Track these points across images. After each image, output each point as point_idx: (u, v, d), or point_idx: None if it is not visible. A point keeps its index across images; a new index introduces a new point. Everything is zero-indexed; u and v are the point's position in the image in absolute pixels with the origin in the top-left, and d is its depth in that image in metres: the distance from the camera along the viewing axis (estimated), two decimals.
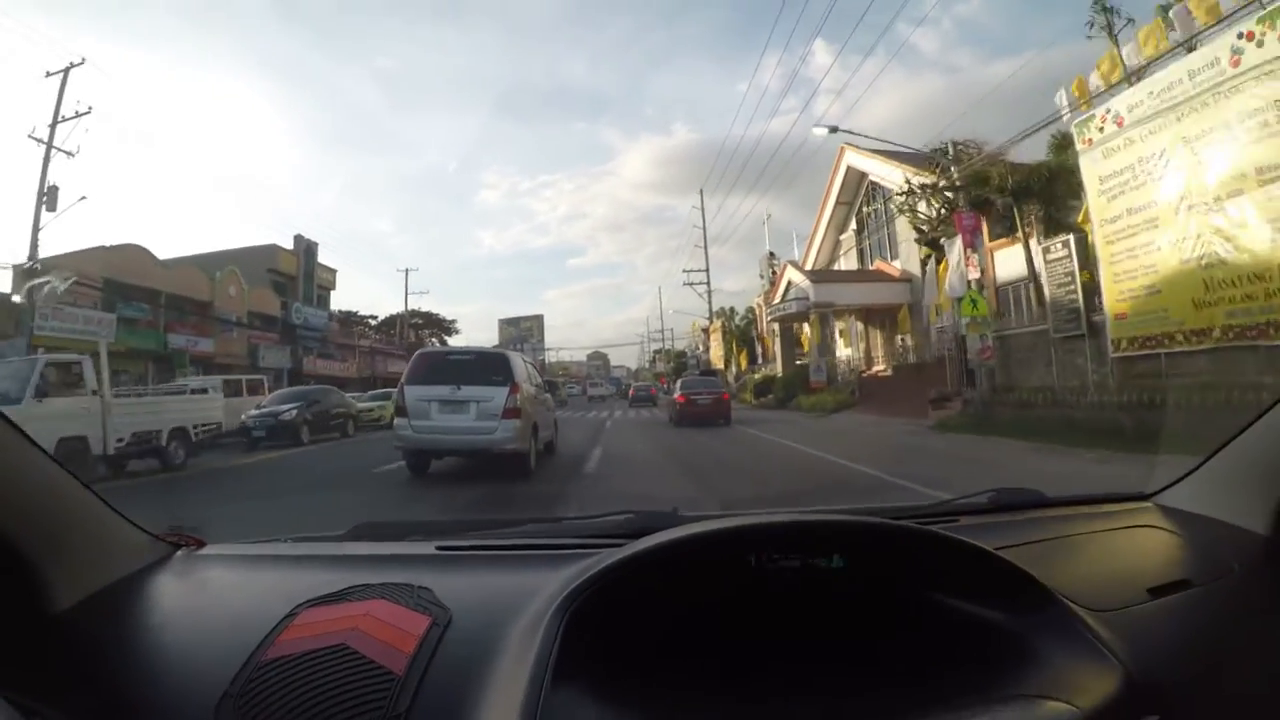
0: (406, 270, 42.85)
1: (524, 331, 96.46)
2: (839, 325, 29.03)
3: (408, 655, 0.64)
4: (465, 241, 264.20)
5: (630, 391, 38.96)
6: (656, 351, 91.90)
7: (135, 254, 22.44)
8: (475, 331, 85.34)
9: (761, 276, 36.57)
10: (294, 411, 14.75)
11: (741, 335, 39.65)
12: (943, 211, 17.14)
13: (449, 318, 60.04)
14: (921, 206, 18.48)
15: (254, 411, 14.73)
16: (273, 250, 31.29)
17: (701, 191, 40.65)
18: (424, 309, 59.47)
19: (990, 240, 15.78)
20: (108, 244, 21.48)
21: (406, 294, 42.72)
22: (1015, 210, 14.53)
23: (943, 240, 17.41)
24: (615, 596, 0.71)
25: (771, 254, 36.39)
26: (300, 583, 0.81)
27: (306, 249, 32.94)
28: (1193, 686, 0.69)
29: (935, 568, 0.77)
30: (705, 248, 41.03)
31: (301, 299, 31.74)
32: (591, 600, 0.69)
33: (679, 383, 19.20)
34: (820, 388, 22.12)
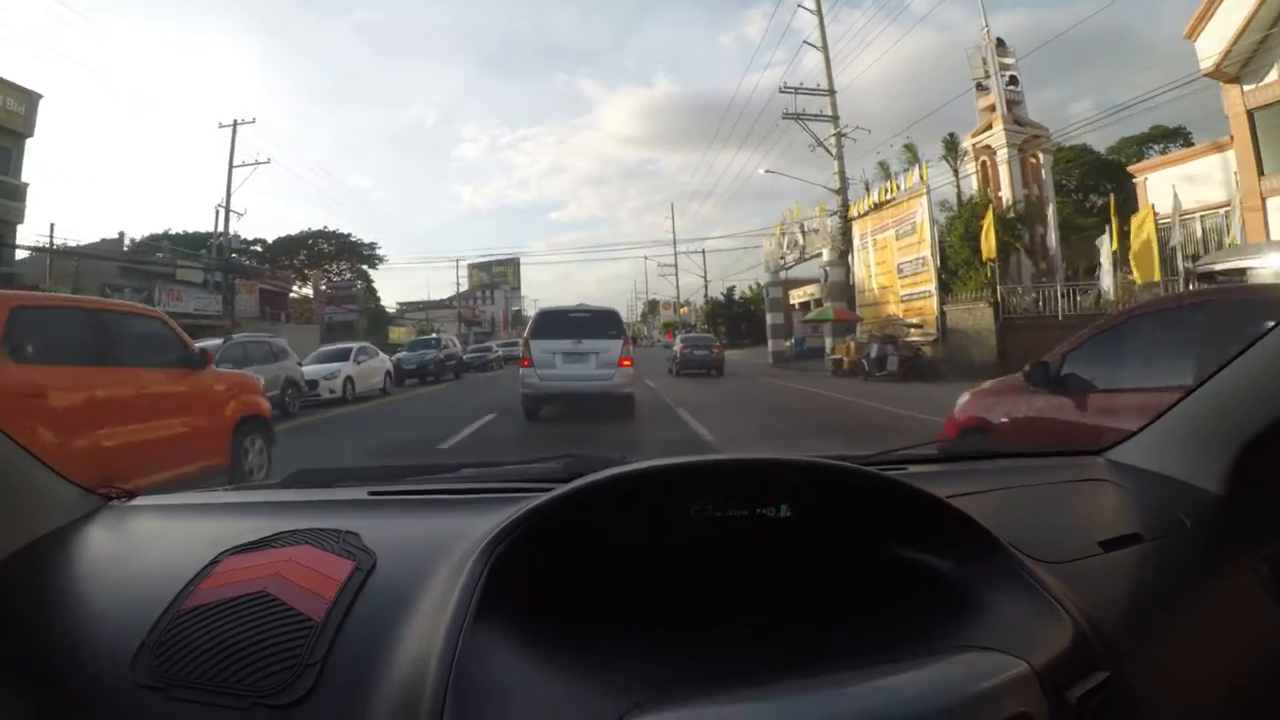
0: (235, 122, 22.73)
1: (496, 277, 76.92)
2: None
3: (328, 601, 0.63)
4: (445, 196, 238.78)
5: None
6: (650, 304, 72.31)
7: None
8: (448, 289, 65.54)
9: (980, 87, 17.01)
10: None
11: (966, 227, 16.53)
12: None
13: (366, 241, 41.87)
14: None
15: None
16: None
17: None
18: (336, 228, 40.98)
19: None
20: None
21: (231, 164, 22.77)
22: None
23: None
24: (552, 541, 0.68)
25: (1001, 42, 16.77)
26: (228, 531, 0.79)
27: None
28: (1143, 640, 0.69)
29: (883, 515, 0.75)
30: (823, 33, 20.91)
31: None
32: (521, 544, 0.66)
33: None
34: None
